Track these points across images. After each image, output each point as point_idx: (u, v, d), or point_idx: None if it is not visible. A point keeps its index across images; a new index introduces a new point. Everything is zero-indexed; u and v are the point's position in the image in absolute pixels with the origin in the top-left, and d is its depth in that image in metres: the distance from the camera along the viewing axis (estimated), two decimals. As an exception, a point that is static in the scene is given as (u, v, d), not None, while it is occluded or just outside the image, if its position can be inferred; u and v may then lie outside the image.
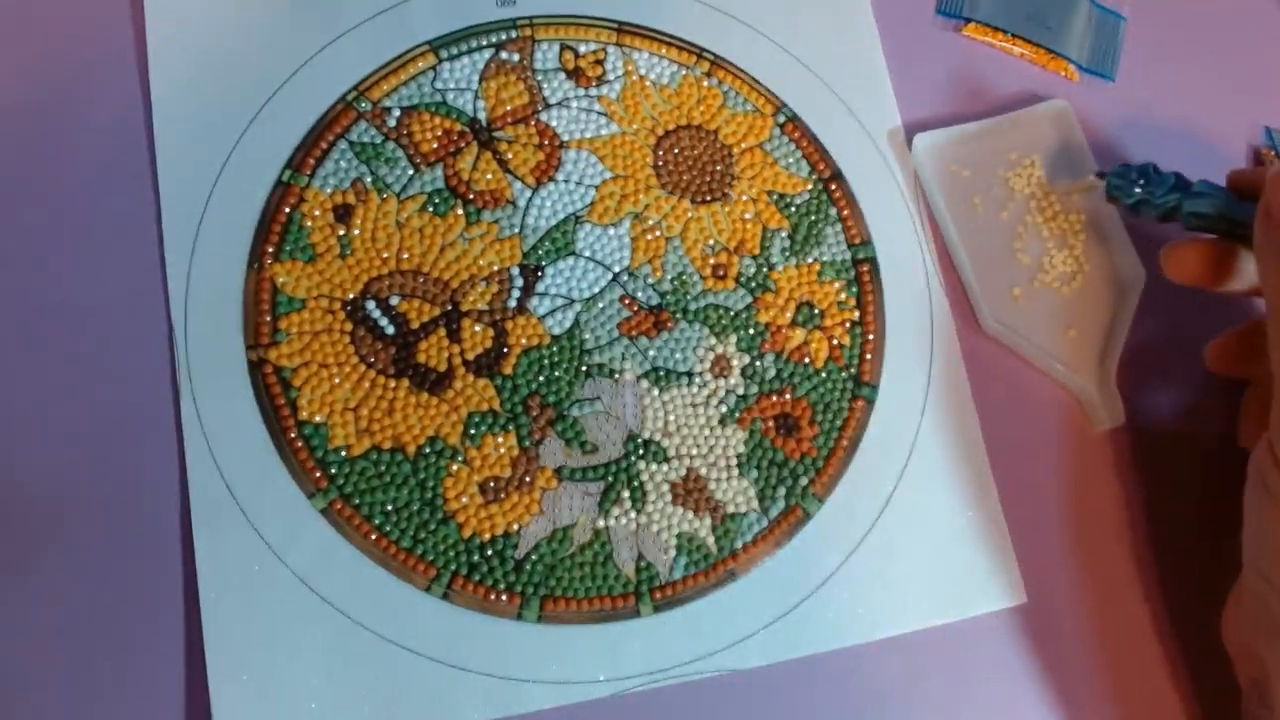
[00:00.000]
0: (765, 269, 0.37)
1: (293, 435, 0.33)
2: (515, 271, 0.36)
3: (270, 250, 0.35)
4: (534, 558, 0.33)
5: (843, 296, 0.37)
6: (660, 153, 0.38)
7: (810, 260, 0.38)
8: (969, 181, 0.39)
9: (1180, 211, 0.33)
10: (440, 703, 0.31)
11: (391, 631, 0.32)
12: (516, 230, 0.36)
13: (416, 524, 0.33)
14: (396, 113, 0.37)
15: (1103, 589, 0.36)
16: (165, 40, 0.36)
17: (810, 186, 0.38)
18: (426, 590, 0.32)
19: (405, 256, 0.35)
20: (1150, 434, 0.37)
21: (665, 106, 0.39)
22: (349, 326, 0.34)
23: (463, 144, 0.37)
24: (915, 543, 0.35)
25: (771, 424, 0.35)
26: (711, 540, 0.34)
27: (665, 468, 0.34)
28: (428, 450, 0.34)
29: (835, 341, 0.37)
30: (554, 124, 0.38)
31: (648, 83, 0.39)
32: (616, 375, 0.35)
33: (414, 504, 0.33)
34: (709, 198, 0.38)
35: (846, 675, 0.33)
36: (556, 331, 0.35)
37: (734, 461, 0.35)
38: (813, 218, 0.38)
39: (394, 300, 0.35)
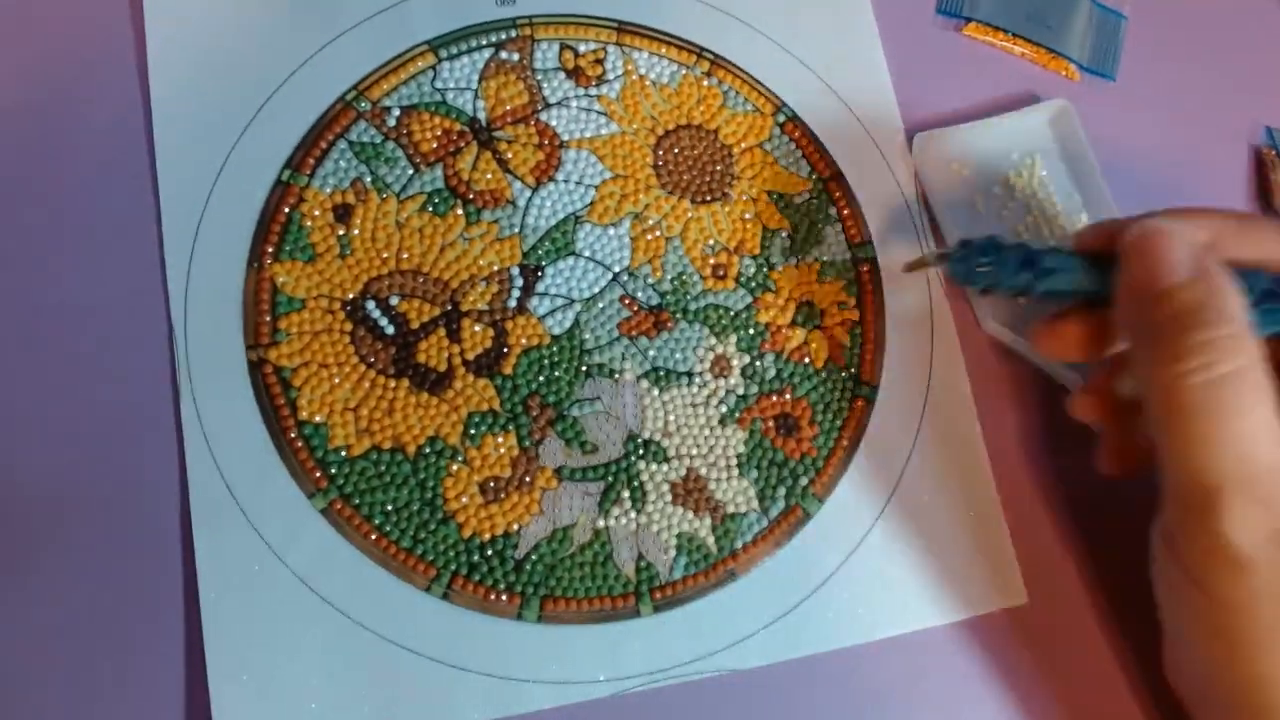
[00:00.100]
0: (765, 269, 0.37)
1: (293, 435, 0.33)
2: (515, 271, 0.36)
3: (270, 250, 0.35)
4: (534, 558, 0.33)
5: (843, 296, 0.37)
6: (660, 152, 0.38)
7: (810, 260, 0.38)
8: (969, 181, 0.39)
9: (1032, 291, 0.31)
10: (440, 703, 0.31)
11: (391, 631, 0.32)
12: (516, 230, 0.36)
13: (416, 524, 0.33)
14: (396, 112, 0.37)
15: (1103, 589, 0.36)
16: (165, 40, 0.36)
17: (810, 186, 0.38)
18: (426, 590, 0.32)
19: (405, 256, 0.35)
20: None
21: (665, 106, 0.39)
22: (349, 326, 0.34)
23: (462, 144, 0.37)
24: (915, 543, 0.35)
25: (771, 424, 0.35)
26: (711, 540, 0.34)
27: (665, 468, 0.34)
28: (428, 450, 0.34)
29: (835, 341, 0.37)
30: (554, 124, 0.38)
31: (648, 82, 0.39)
32: (616, 375, 0.35)
33: (414, 504, 0.33)
34: (709, 197, 0.38)
35: (846, 675, 0.33)
36: (556, 331, 0.35)
37: (734, 461, 0.35)
38: (813, 217, 0.38)
39: (394, 300, 0.35)
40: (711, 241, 0.37)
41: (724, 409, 0.35)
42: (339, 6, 0.38)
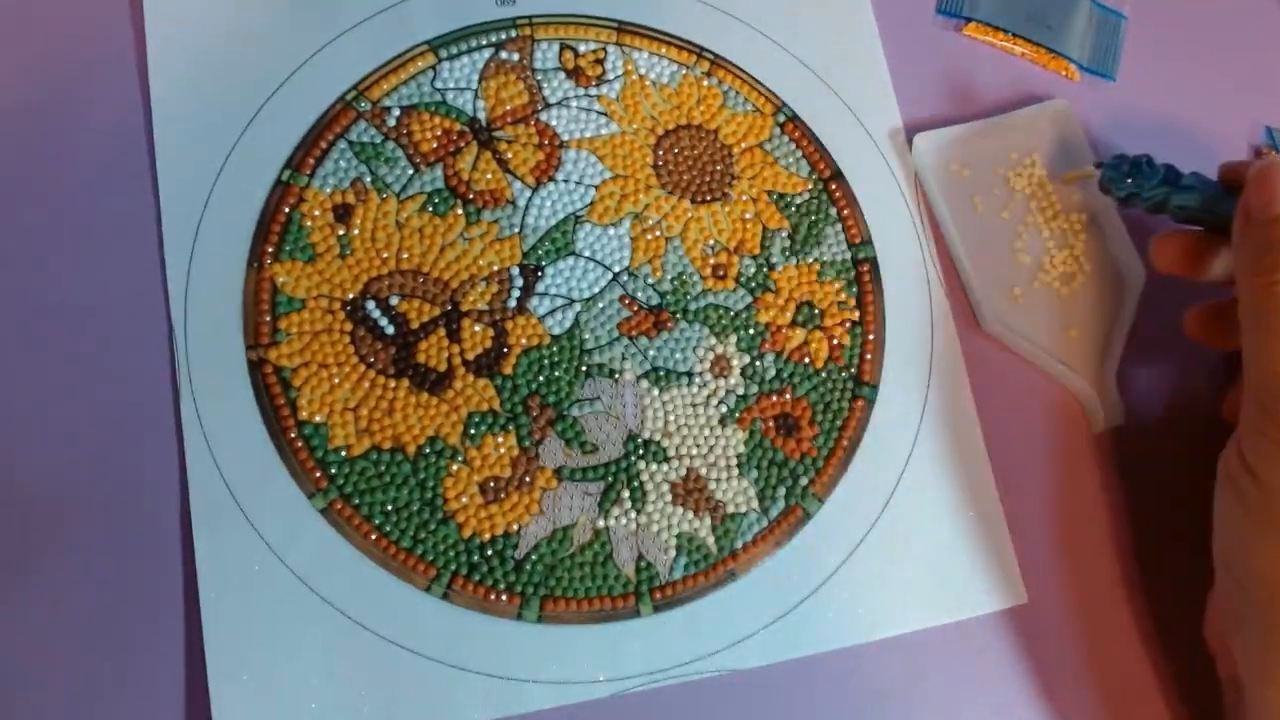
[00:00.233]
0: (765, 269, 0.37)
1: (293, 435, 0.33)
2: (515, 271, 0.36)
3: (270, 250, 0.35)
4: (534, 558, 0.33)
5: (843, 296, 0.37)
6: (660, 152, 0.38)
7: (810, 260, 0.38)
8: (969, 181, 0.39)
9: (1168, 204, 0.34)
10: (440, 703, 0.31)
11: (391, 631, 0.32)
12: (516, 230, 0.36)
13: (416, 524, 0.33)
14: (396, 112, 0.37)
15: (1103, 589, 0.36)
16: (165, 40, 0.36)
17: (810, 186, 0.38)
18: (426, 590, 0.32)
19: (405, 256, 0.35)
20: (1150, 434, 0.37)
21: (665, 106, 0.39)
22: (349, 326, 0.34)
23: (462, 144, 0.37)
24: (915, 543, 0.35)
25: (771, 424, 0.35)
26: (711, 540, 0.34)
27: (665, 468, 0.34)
28: (428, 450, 0.34)
29: (835, 341, 0.37)
30: (554, 124, 0.38)
31: (648, 82, 0.39)
32: (616, 375, 0.35)
33: (414, 504, 0.33)
34: (709, 197, 0.38)
35: (846, 675, 0.33)
36: (556, 331, 0.35)
37: (734, 461, 0.35)
38: (813, 217, 0.38)
39: (394, 300, 0.35)
40: (711, 241, 0.37)
41: (724, 409, 0.35)
42: (339, 6, 0.38)
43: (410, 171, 0.36)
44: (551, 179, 0.37)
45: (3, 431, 0.32)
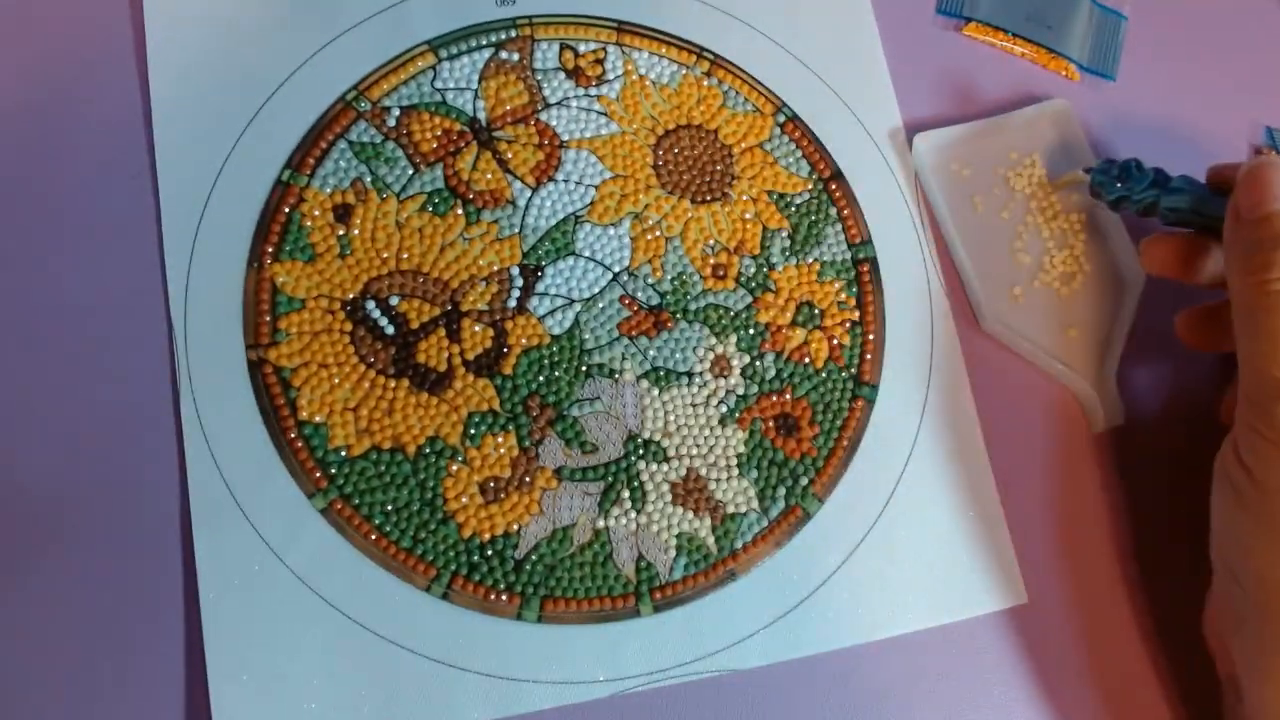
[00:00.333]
0: (765, 269, 0.37)
1: (293, 435, 0.33)
2: (515, 271, 0.36)
3: (270, 250, 0.35)
4: (534, 558, 0.33)
5: (843, 296, 0.37)
6: (660, 152, 0.38)
7: (810, 260, 0.38)
8: (969, 181, 0.39)
9: (1158, 207, 0.34)
10: (440, 703, 0.31)
11: (391, 631, 0.32)
12: (516, 230, 0.36)
13: (416, 524, 0.33)
14: (396, 112, 0.37)
15: (1103, 589, 0.36)
16: (165, 40, 0.36)
17: (810, 186, 0.38)
18: (426, 590, 0.32)
19: (405, 256, 0.35)
20: (1150, 434, 0.37)
21: (665, 106, 0.39)
22: (349, 326, 0.34)
23: (462, 144, 0.37)
24: (915, 543, 0.35)
25: (771, 424, 0.35)
26: (711, 540, 0.34)
27: (665, 468, 0.34)
28: (428, 450, 0.34)
29: (835, 341, 0.37)
30: (554, 124, 0.38)
31: (648, 82, 0.39)
32: (616, 375, 0.35)
33: (414, 504, 0.33)
34: (709, 198, 0.38)
35: (846, 675, 0.33)
36: (556, 331, 0.35)
37: (734, 461, 0.35)
38: (813, 217, 0.38)
39: (394, 300, 0.35)
40: (711, 241, 0.37)
41: (724, 409, 0.35)
42: (339, 6, 0.38)
43: (410, 171, 0.36)
44: (551, 179, 0.37)
45: (3, 431, 0.32)
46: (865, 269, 0.38)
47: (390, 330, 0.35)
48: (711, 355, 0.36)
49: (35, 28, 0.37)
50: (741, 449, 0.35)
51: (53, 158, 0.35)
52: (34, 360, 0.33)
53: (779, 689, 0.33)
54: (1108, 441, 0.37)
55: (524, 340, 0.35)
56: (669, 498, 0.34)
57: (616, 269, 0.36)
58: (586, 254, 0.36)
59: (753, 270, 0.37)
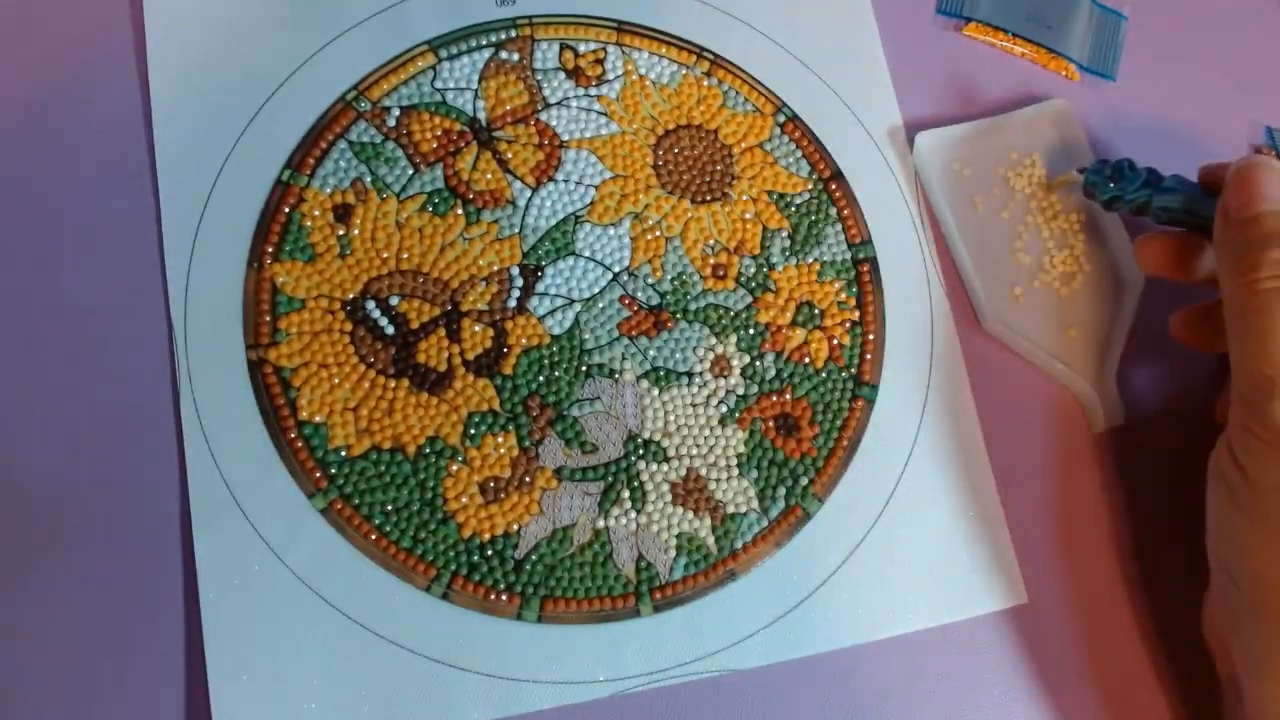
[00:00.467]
0: (765, 269, 0.37)
1: (293, 435, 0.33)
2: (515, 271, 0.36)
3: (270, 250, 0.35)
4: (534, 558, 0.33)
5: (843, 296, 0.37)
6: (660, 152, 0.38)
7: (810, 260, 0.38)
8: (969, 181, 0.39)
9: (1150, 207, 0.34)
10: (440, 703, 0.31)
11: (391, 631, 0.32)
12: (516, 230, 0.36)
13: (416, 524, 0.33)
14: (396, 112, 0.37)
15: (1103, 589, 0.35)
16: (165, 40, 0.36)
17: (810, 186, 0.38)
18: (426, 590, 0.32)
19: (405, 256, 0.35)
20: (1150, 434, 0.37)
21: (665, 106, 0.39)
22: (349, 326, 0.34)
23: (462, 144, 0.37)
24: (915, 543, 0.35)
25: (771, 424, 0.35)
26: (711, 540, 0.34)
27: (665, 468, 0.34)
28: (428, 450, 0.34)
29: (835, 341, 0.37)
30: (554, 124, 0.38)
31: (648, 82, 0.39)
32: (616, 375, 0.35)
33: (414, 504, 0.33)
34: (709, 198, 0.38)
35: (846, 675, 0.33)
36: (556, 331, 0.35)
37: (734, 461, 0.35)
38: (813, 217, 0.38)
39: (394, 300, 0.35)
40: (711, 241, 0.37)
41: (724, 409, 0.35)
42: (339, 6, 0.38)
43: (410, 171, 0.36)
44: (551, 179, 0.37)
45: (3, 431, 0.32)
46: (865, 269, 0.38)
47: (390, 330, 0.35)
48: (711, 355, 0.36)
49: (35, 28, 0.37)
50: (741, 449, 0.35)
51: (53, 158, 0.35)
52: (34, 360, 0.33)
53: (779, 689, 0.33)
54: (1108, 441, 0.37)
55: (524, 340, 0.35)
56: (669, 498, 0.34)
57: (616, 269, 0.36)
58: (586, 254, 0.36)
59: (753, 270, 0.37)
